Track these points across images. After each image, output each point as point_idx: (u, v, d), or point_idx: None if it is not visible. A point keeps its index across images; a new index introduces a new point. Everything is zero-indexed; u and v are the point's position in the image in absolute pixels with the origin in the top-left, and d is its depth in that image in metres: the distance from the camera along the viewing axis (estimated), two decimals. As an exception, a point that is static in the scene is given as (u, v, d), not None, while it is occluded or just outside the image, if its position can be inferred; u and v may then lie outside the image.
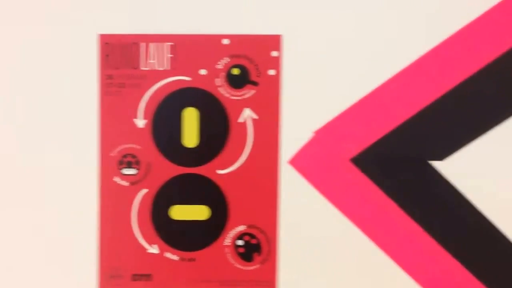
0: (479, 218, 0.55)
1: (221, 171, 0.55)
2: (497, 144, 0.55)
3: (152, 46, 0.54)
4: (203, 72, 0.55)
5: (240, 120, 0.55)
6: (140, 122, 0.55)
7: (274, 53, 0.54)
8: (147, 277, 0.55)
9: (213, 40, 0.54)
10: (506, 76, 0.55)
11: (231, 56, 0.54)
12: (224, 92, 0.55)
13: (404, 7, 0.55)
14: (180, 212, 0.55)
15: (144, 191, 0.55)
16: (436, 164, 0.55)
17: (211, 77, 0.54)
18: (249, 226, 0.55)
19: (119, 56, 0.54)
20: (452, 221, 0.55)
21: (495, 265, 0.56)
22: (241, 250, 0.55)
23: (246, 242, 0.55)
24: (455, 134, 0.55)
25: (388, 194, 0.55)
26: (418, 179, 0.55)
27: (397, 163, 0.55)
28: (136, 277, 0.55)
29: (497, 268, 0.56)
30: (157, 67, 0.54)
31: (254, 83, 0.55)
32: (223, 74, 0.54)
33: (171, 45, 0.54)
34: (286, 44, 0.54)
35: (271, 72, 0.55)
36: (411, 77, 0.55)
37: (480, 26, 0.54)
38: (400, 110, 0.55)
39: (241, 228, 0.55)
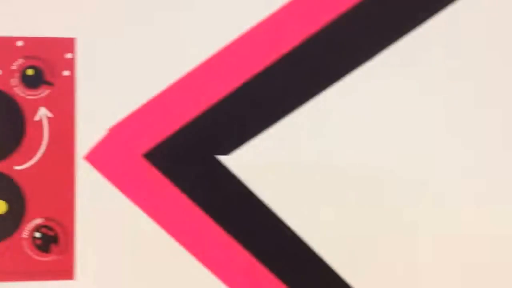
0: (265, 211, 0.60)
1: (18, 167, 0.58)
2: (280, 139, 0.60)
3: (-50, 47, 0.57)
4: (-1, 72, 0.57)
5: (36, 118, 0.58)
6: None
7: (68, 55, 0.58)
8: None
9: (8, 42, 0.57)
10: (287, 76, 0.59)
11: (26, 58, 0.57)
12: (20, 92, 0.57)
13: (197, 10, 0.59)
14: (-21, 207, 0.58)
15: None
16: (223, 159, 0.59)
17: (6, 78, 0.57)
18: (47, 219, 0.58)
19: None
20: (240, 214, 0.60)
21: (283, 256, 0.60)
22: (39, 242, 0.58)
23: (43, 234, 0.58)
24: (239, 130, 0.59)
25: (180, 188, 0.59)
26: (206, 173, 0.59)
27: (188, 158, 0.59)
28: None
29: (286, 259, 0.60)
30: (-46, 68, 0.57)
31: (49, 83, 0.58)
32: (18, 74, 0.57)
33: (-30, 47, 0.57)
34: (80, 46, 0.58)
35: (66, 73, 0.58)
36: (200, 75, 0.59)
37: (265, 26, 0.59)
38: (190, 106, 0.59)
39: (39, 221, 0.58)
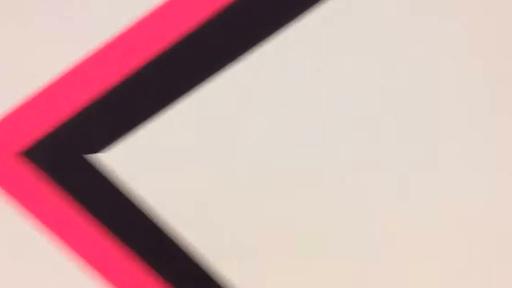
0: (136, 210, 0.59)
1: None
2: (158, 135, 0.58)
3: None
4: None
5: None
6: None
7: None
8: None
9: None
10: (164, 72, 0.58)
11: None
12: None
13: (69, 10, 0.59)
14: None
15: None
16: (93, 157, 0.59)
17: None
18: None
19: None
20: (117, 212, 0.59)
21: (163, 255, 0.59)
22: None
23: None
24: (114, 127, 0.59)
25: (57, 186, 0.59)
26: (81, 171, 0.59)
27: (64, 156, 0.59)
28: None
29: (166, 258, 0.59)
30: None
31: None
32: None
33: None
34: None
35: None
36: (76, 72, 0.59)
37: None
38: (66, 104, 0.59)
39: None
